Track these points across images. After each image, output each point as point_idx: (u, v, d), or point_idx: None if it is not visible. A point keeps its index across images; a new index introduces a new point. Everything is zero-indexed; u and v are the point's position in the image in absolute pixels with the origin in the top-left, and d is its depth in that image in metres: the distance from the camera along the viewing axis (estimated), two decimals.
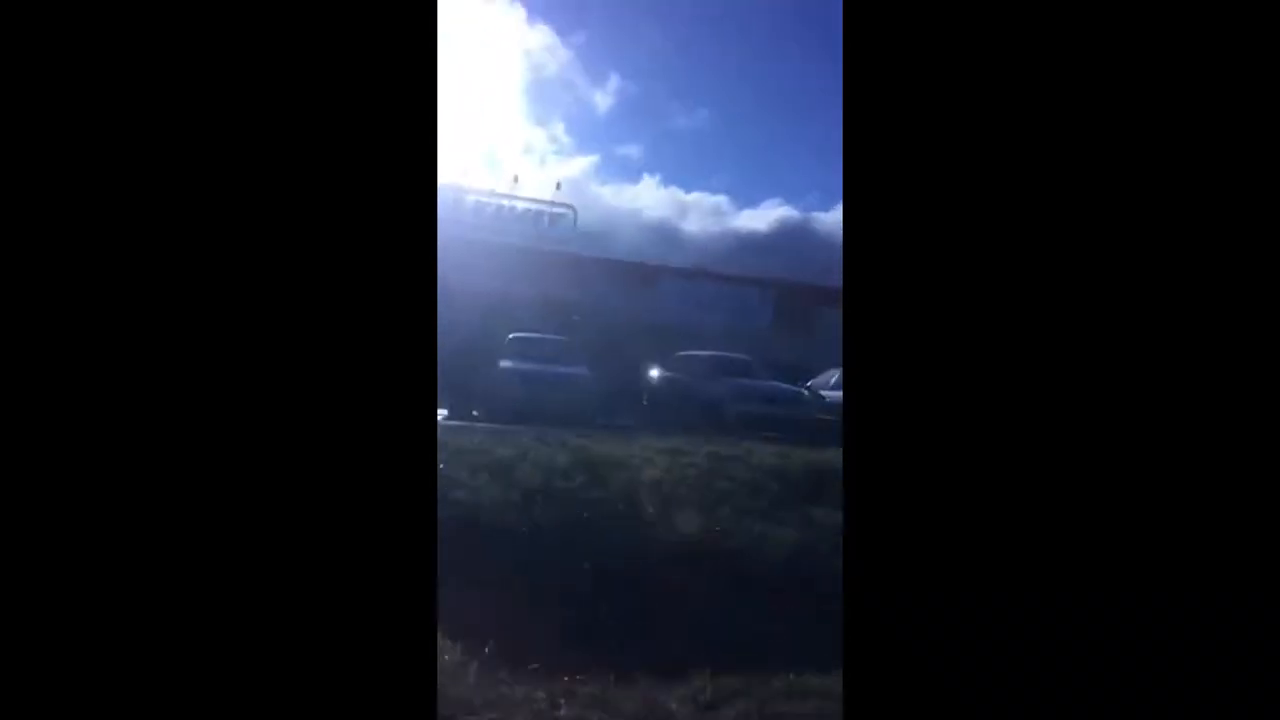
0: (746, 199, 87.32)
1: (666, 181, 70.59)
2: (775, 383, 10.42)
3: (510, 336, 10.87)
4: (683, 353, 11.36)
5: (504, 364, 9.80)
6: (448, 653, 2.10)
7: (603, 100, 52.46)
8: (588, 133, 51.46)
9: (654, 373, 11.33)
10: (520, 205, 19.92)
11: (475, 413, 9.07)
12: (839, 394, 10.26)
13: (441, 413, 8.68)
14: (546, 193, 20.76)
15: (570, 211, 20.66)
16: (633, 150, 56.25)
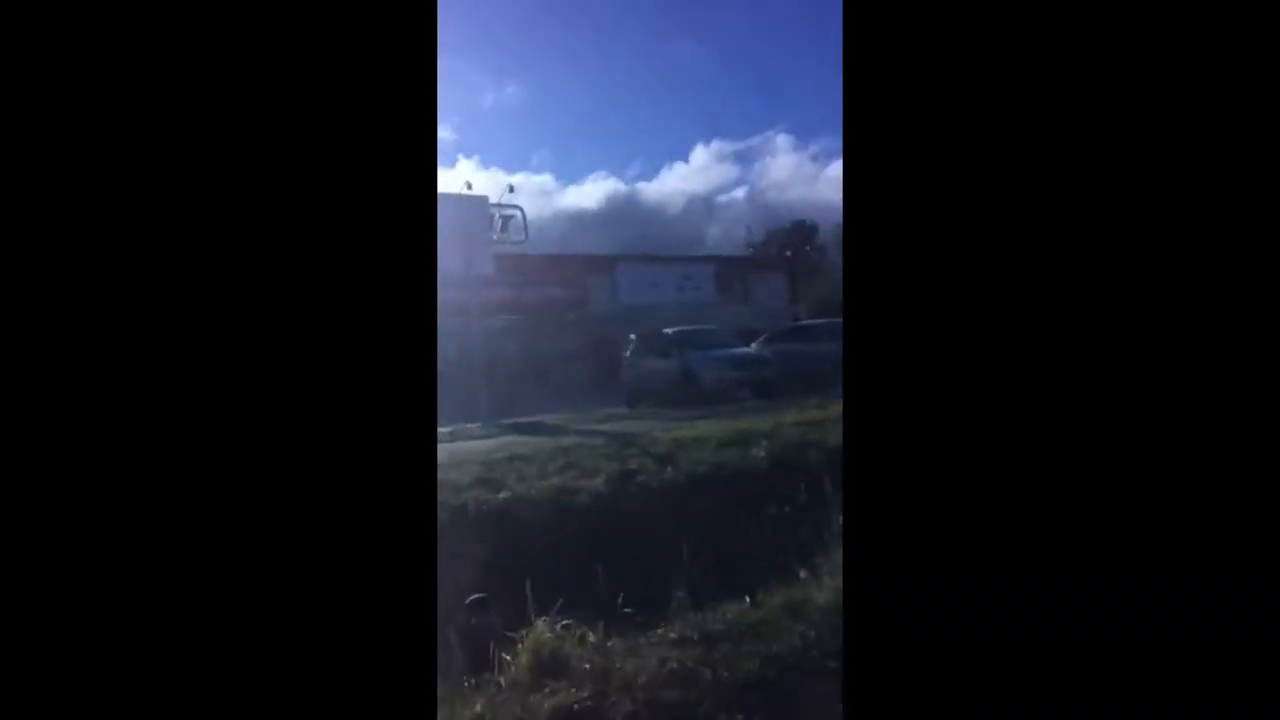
0: (570, 175, 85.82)
1: (486, 163, 67.71)
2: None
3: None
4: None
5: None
6: None
7: None
8: None
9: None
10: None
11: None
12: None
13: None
14: None
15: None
16: (444, 132, 53.22)
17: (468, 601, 2.95)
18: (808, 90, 64.74)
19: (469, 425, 8.04)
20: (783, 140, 75.01)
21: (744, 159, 72.54)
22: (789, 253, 34.94)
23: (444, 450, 5.99)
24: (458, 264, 9.06)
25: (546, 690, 2.15)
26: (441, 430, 7.56)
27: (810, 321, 11.81)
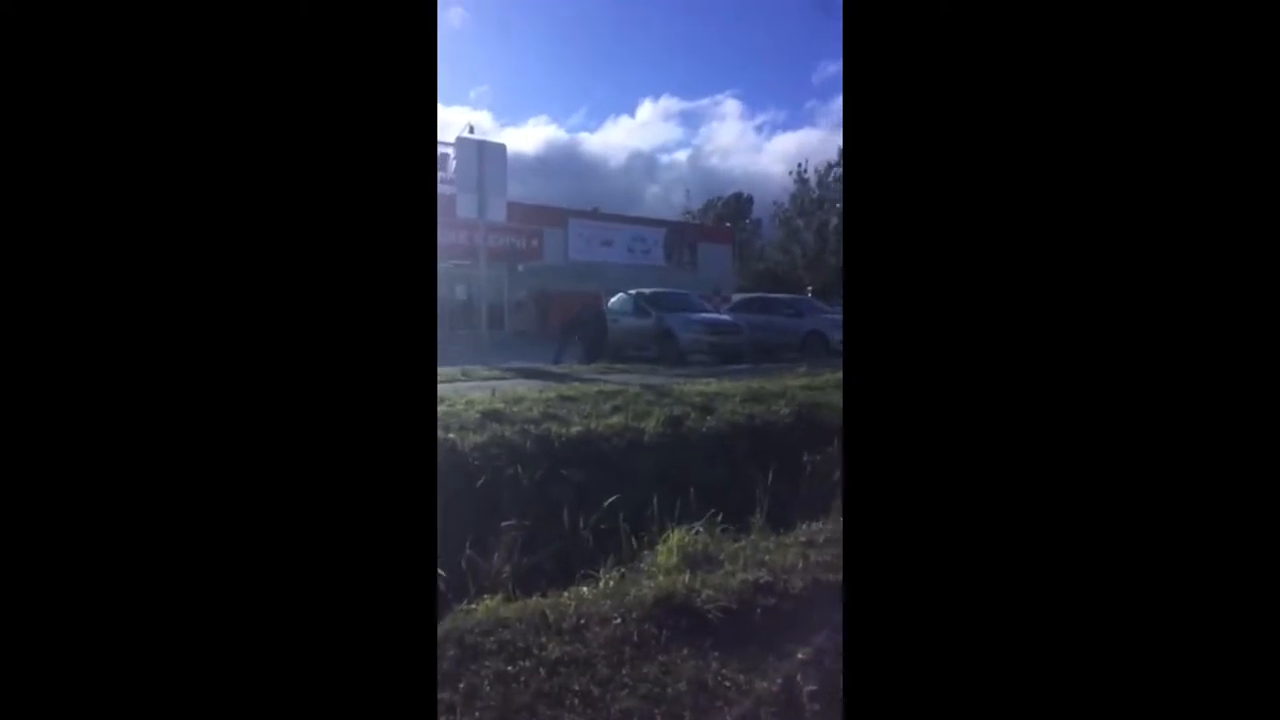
0: (510, 117, 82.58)
1: None
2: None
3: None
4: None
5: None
6: None
7: None
8: None
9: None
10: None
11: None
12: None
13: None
14: None
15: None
16: None
17: (606, 504, 3.53)
18: (764, 56, 64.91)
19: (475, 367, 8.44)
20: (732, 106, 75.52)
21: (690, 120, 72.53)
22: (728, 224, 35.88)
23: (484, 387, 6.44)
24: (474, 210, 9.37)
25: (723, 571, 2.77)
26: (453, 369, 7.95)
27: (770, 295, 12.75)
